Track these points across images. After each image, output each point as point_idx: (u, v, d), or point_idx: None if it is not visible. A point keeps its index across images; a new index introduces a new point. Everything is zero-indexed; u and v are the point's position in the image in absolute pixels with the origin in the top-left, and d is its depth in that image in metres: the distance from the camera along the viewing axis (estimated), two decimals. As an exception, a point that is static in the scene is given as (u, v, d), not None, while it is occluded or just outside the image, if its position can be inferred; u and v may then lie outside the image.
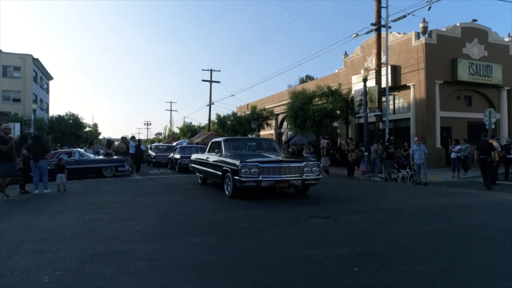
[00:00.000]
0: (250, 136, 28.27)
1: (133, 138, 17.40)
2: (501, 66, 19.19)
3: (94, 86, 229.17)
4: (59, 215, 6.51)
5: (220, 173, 8.46)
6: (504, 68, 19.31)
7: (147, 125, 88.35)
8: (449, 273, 3.30)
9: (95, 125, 56.48)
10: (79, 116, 40.21)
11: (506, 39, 20.29)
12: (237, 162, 7.48)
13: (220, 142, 9.46)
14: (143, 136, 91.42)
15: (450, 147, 14.84)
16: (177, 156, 17.73)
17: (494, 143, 11.95)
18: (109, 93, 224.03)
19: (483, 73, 18.77)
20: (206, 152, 10.61)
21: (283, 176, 7.50)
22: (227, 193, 8.13)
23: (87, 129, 40.84)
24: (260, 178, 7.31)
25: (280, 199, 7.96)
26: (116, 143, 19.10)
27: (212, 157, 9.40)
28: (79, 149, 16.74)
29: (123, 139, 17.41)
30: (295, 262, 3.61)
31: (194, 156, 12.21)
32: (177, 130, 54.22)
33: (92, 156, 16.15)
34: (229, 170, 7.82)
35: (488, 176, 11.15)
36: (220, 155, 8.86)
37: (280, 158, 8.16)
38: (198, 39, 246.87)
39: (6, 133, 8.86)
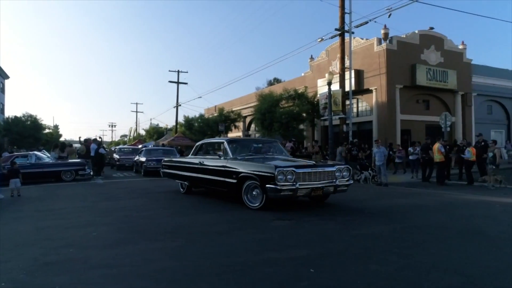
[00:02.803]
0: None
1: (95, 140, 16.85)
2: (456, 72, 20.30)
3: (55, 86, 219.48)
4: (12, 222, 6.17)
5: (233, 181, 7.06)
6: (459, 74, 20.44)
7: (112, 126, 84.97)
8: (401, 272, 3.45)
9: (56, 127, 53.94)
10: (38, 117, 38.28)
11: (460, 47, 21.49)
12: (271, 167, 6.34)
13: (222, 143, 8.04)
14: (107, 138, 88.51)
15: (410, 149, 15.49)
16: (143, 159, 17.14)
17: (437, 145, 12.72)
18: (71, 94, 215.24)
19: (439, 79, 19.78)
20: (193, 156, 9.10)
21: (318, 182, 6.65)
22: (251, 205, 6.79)
23: (47, 130, 38.87)
24: (297, 186, 6.29)
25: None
26: (75, 145, 18.42)
27: (213, 162, 7.93)
28: (36, 152, 15.93)
29: (85, 141, 16.83)
30: (254, 265, 3.63)
31: (170, 160, 10.63)
32: (143, 132, 53.02)
33: (50, 159, 15.43)
34: (255, 177, 6.57)
35: (428, 173, 13.34)
36: (228, 159, 7.48)
37: (313, 162, 7.37)
38: (164, 40, 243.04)
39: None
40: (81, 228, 5.50)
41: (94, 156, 15.05)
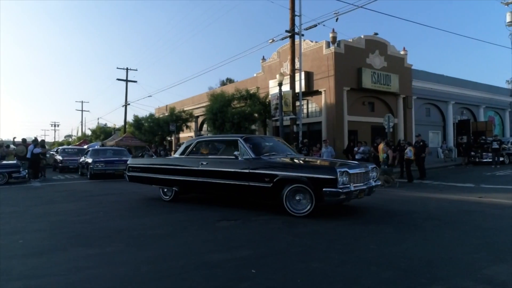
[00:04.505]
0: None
1: (34, 140, 15.66)
2: (398, 76, 21.49)
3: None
4: None
5: (266, 186, 6.11)
6: (400, 78, 21.65)
7: (54, 126, 79.53)
8: (341, 268, 3.50)
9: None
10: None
11: (402, 52, 22.79)
12: (331, 169, 5.79)
13: (237, 141, 6.89)
14: (50, 139, 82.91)
15: (355, 149, 16.10)
16: (89, 160, 15.56)
17: (382, 145, 13.35)
18: (9, 91, 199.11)
19: (383, 82, 20.81)
20: (185, 156, 7.66)
21: (363, 184, 6.15)
22: (296, 212, 5.92)
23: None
24: (351, 189, 5.75)
25: (193, 204, 7.75)
26: (12, 146, 16.96)
27: (226, 163, 6.82)
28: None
29: (23, 141, 15.59)
30: (194, 268, 3.50)
31: (143, 161, 9.45)
32: (89, 132, 50.33)
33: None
34: (306, 179, 5.80)
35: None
36: (250, 160, 6.47)
37: (356, 162, 6.87)
38: (111, 37, 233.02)
39: None
40: (7, 235, 5.01)
41: (31, 157, 13.97)
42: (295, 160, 6.85)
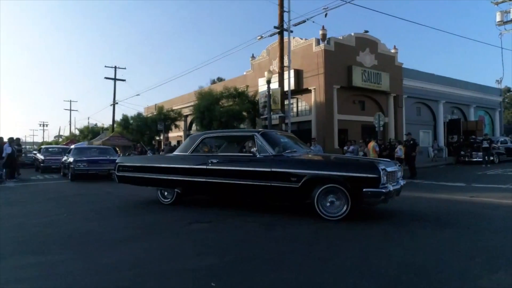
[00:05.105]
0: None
1: (10, 139, 14.98)
2: (389, 74, 21.20)
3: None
4: None
5: (293, 186, 5.44)
6: (391, 76, 21.36)
7: (43, 126, 78.13)
8: (317, 278, 3.05)
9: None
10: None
11: (392, 51, 22.52)
12: (372, 167, 5.19)
13: (253, 136, 6.19)
14: (38, 139, 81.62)
15: (345, 148, 15.74)
16: (71, 159, 14.29)
17: (373, 144, 13.13)
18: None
19: (373, 80, 20.49)
20: (188, 153, 6.77)
21: (396, 183, 5.68)
22: (330, 216, 5.27)
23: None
24: (391, 188, 5.20)
25: (167, 204, 7.24)
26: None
27: (241, 162, 6.24)
28: None
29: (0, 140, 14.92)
30: (147, 280, 3.02)
31: (135, 160, 8.60)
32: (77, 132, 49.39)
33: None
34: (341, 179, 5.21)
35: None
36: (272, 158, 5.75)
37: (388, 160, 6.37)
38: (101, 37, 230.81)
39: None
40: (-50, 241, 4.47)
41: (6, 156, 13.33)
42: (326, 157, 6.17)
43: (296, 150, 6.37)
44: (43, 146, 25.99)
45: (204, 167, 6.29)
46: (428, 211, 6.29)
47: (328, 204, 5.34)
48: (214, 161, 6.26)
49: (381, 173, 5.06)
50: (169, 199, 7.02)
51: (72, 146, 25.85)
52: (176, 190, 6.84)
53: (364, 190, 5.03)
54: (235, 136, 7.62)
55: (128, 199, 8.11)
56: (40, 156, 20.41)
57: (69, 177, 14.02)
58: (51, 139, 76.66)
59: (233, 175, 6.05)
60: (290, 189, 5.48)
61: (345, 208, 5.21)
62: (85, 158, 14.18)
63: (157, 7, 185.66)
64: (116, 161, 8.05)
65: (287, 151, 6.11)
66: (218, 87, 23.75)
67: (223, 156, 6.55)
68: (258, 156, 5.88)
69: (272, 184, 5.60)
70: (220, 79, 49.84)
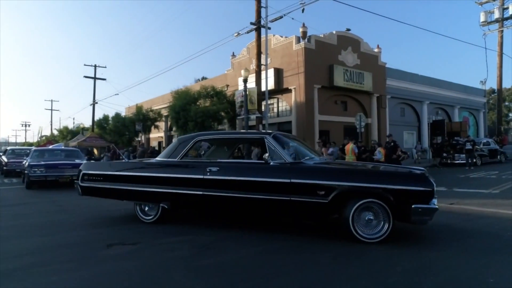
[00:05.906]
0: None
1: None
2: (371, 74, 20.62)
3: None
4: None
5: (321, 201, 4.40)
6: (374, 76, 20.80)
7: (25, 126, 75.91)
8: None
9: None
10: None
11: (376, 50, 21.96)
12: (420, 178, 4.40)
13: (263, 139, 5.13)
14: (21, 139, 79.29)
15: (323, 149, 15.04)
16: (26, 163, 12.46)
17: (351, 145, 12.58)
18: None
19: (356, 80, 19.89)
20: (178, 160, 5.47)
21: None
22: (367, 237, 4.34)
23: None
24: (436, 204, 4.34)
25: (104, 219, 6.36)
26: None
27: (251, 171, 5.07)
28: None
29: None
30: None
31: (106, 166, 6.55)
32: (56, 132, 47.91)
33: None
34: (382, 193, 4.30)
35: None
36: (286, 165, 4.75)
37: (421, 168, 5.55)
38: (83, 34, 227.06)
39: None
40: None
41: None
42: (359, 166, 5.21)
43: (313, 156, 5.40)
44: (9, 148, 24.56)
45: (201, 176, 5.08)
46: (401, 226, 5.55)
47: (363, 223, 4.40)
48: (214, 169, 5.06)
49: (435, 186, 4.26)
50: (151, 216, 5.65)
51: (51, 147, 24.67)
52: (161, 205, 5.44)
53: (413, 206, 4.15)
54: (238, 139, 6.57)
55: (73, 211, 7.20)
56: (3, 158, 19.15)
57: (24, 184, 12.36)
58: (35, 139, 74.54)
59: (239, 187, 4.91)
60: (316, 204, 4.45)
61: (386, 227, 4.32)
62: (42, 163, 12.41)
63: (141, 6, 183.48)
64: (80, 168, 6.24)
65: (305, 158, 5.10)
66: (197, 87, 22.90)
67: (225, 164, 5.32)
68: (271, 163, 4.84)
69: (292, 198, 4.54)
70: (204, 78, 48.97)
